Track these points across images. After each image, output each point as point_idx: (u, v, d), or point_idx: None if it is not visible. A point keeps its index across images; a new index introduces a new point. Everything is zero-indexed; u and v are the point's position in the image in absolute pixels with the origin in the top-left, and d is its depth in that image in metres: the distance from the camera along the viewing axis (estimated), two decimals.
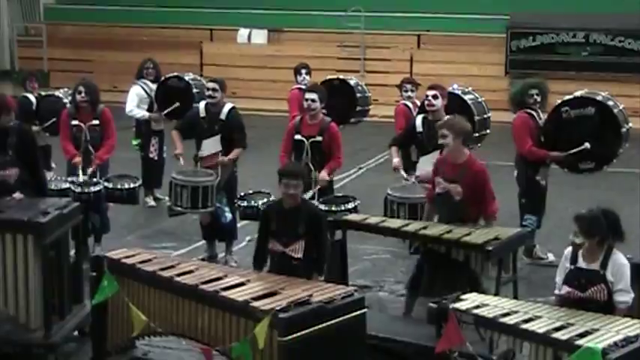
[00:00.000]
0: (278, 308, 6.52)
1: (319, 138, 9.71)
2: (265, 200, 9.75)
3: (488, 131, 10.98)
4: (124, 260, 7.57)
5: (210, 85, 10.34)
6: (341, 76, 13.55)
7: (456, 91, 10.99)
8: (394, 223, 8.64)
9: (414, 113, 10.84)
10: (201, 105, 10.38)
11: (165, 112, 12.33)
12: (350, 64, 21.02)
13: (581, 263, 6.77)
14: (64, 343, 7.95)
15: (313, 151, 9.72)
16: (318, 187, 9.63)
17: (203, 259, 9.79)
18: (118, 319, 7.56)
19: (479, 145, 10.66)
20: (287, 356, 6.47)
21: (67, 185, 10.03)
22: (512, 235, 8.20)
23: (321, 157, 9.72)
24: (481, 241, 7.84)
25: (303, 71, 12.81)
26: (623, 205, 11.02)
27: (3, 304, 7.65)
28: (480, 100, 11.21)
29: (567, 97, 10.31)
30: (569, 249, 6.85)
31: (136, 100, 12.55)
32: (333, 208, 9.35)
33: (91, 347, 7.86)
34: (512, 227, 8.66)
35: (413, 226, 8.41)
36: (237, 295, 6.80)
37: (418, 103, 11.03)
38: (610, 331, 6.15)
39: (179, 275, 7.21)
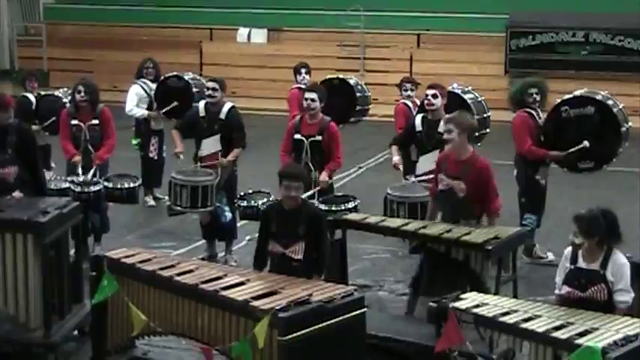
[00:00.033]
0: (278, 308, 6.51)
1: (319, 137, 9.70)
2: (265, 200, 9.75)
3: (487, 130, 10.99)
4: (123, 260, 7.57)
5: (210, 84, 10.34)
6: (341, 76, 13.56)
7: (456, 91, 11.01)
8: (394, 222, 8.63)
9: (414, 112, 10.85)
10: (201, 104, 10.39)
11: (164, 110, 12.34)
12: (350, 63, 21.03)
13: (581, 263, 6.77)
14: (63, 342, 7.95)
15: (313, 150, 9.71)
16: (318, 188, 9.63)
17: (203, 259, 9.79)
18: (117, 319, 7.56)
19: (479, 144, 10.64)
20: (287, 355, 6.47)
21: (67, 185, 10.02)
22: (512, 234, 8.19)
23: (320, 157, 9.72)
24: (481, 241, 7.83)
25: (303, 71, 12.80)
26: (622, 204, 11.07)
27: (3, 303, 7.65)
28: (479, 99, 11.23)
29: (567, 97, 10.31)
30: (569, 249, 6.85)
31: (135, 100, 12.55)
32: (333, 208, 9.35)
33: (90, 347, 7.85)
34: (512, 226, 8.66)
35: (412, 225, 8.41)
36: (237, 294, 6.80)
37: (418, 103, 11.04)
38: (610, 330, 6.15)
39: (179, 275, 7.21)
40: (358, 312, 6.89)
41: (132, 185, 10.43)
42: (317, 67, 14.80)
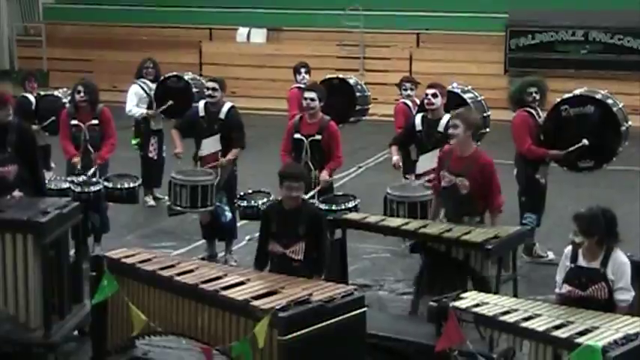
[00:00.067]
0: (278, 307, 6.51)
1: (318, 137, 9.69)
2: (265, 200, 9.75)
3: (487, 130, 10.98)
4: (123, 260, 7.56)
5: (210, 84, 10.34)
6: (340, 75, 13.55)
7: (456, 90, 11.01)
8: (394, 221, 8.63)
9: (414, 112, 10.85)
10: (201, 104, 10.39)
11: (160, 109, 12.36)
12: (349, 62, 21.03)
13: (582, 262, 6.76)
14: (63, 342, 7.95)
15: (313, 149, 9.70)
16: (319, 187, 9.62)
17: (203, 259, 9.79)
18: (117, 319, 7.56)
19: (478, 143, 10.63)
20: (287, 355, 6.46)
21: (67, 185, 10.02)
22: (512, 233, 8.19)
23: (320, 156, 9.71)
24: (481, 240, 7.83)
25: (303, 70, 12.80)
26: (622, 203, 11.08)
27: (3, 303, 7.65)
28: (479, 98, 11.23)
29: (567, 96, 10.31)
30: (570, 247, 6.84)
31: (135, 100, 12.56)
32: (334, 207, 9.35)
33: (90, 347, 7.85)
34: (512, 225, 8.66)
35: (412, 224, 8.41)
36: (237, 294, 6.79)
37: (418, 102, 11.04)
38: (610, 329, 6.15)
39: (179, 275, 7.20)
40: (358, 311, 6.88)
41: (132, 185, 10.43)
42: (316, 67, 14.79)
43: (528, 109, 10.32)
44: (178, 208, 10.16)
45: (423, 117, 9.97)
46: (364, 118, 13.65)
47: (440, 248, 8.12)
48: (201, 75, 15.37)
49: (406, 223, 8.48)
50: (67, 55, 22.63)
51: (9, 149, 8.35)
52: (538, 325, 6.27)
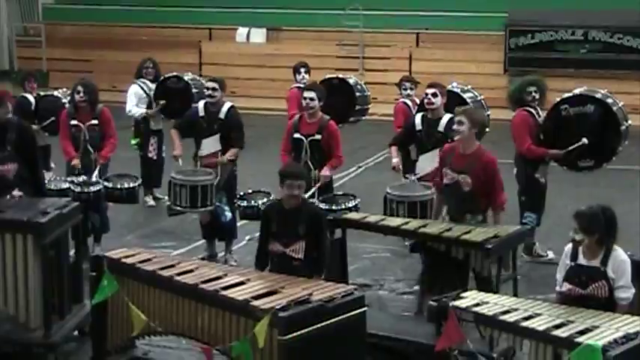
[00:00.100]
0: (278, 307, 6.51)
1: (318, 136, 9.69)
2: (265, 200, 9.75)
3: (487, 129, 10.96)
4: (123, 260, 7.56)
5: (210, 84, 10.34)
6: (340, 75, 13.54)
7: (455, 89, 11.01)
8: (393, 221, 8.63)
9: (414, 111, 10.85)
10: (201, 104, 10.39)
11: (154, 110, 12.38)
12: (349, 62, 21.04)
13: (582, 260, 6.76)
14: (63, 342, 7.94)
15: (312, 149, 9.70)
16: (319, 184, 9.63)
17: (203, 259, 9.78)
18: (117, 319, 7.56)
19: (478, 142, 10.65)
20: (287, 355, 6.46)
21: (67, 185, 10.02)
22: (512, 232, 8.18)
23: (320, 156, 9.71)
24: (480, 239, 7.83)
25: (302, 70, 12.80)
26: (622, 202, 11.08)
27: (3, 303, 7.64)
28: (478, 98, 11.23)
29: (566, 95, 10.31)
30: (570, 246, 6.84)
31: (134, 100, 12.57)
32: (334, 207, 9.35)
33: (90, 347, 7.85)
34: (512, 225, 8.66)
35: (412, 224, 8.41)
36: (237, 294, 6.79)
37: (417, 101, 11.05)
38: (610, 329, 6.15)
39: (179, 274, 7.20)
40: (358, 311, 6.88)
41: (132, 185, 10.43)
42: (316, 67, 14.79)
43: (528, 108, 10.32)
44: (178, 208, 10.16)
45: (422, 116, 9.96)
46: (364, 118, 13.65)
47: (440, 248, 8.12)
48: (201, 75, 15.39)
49: (406, 223, 8.48)
50: (66, 56, 22.64)
51: (8, 148, 8.34)
52: (538, 324, 6.27)
